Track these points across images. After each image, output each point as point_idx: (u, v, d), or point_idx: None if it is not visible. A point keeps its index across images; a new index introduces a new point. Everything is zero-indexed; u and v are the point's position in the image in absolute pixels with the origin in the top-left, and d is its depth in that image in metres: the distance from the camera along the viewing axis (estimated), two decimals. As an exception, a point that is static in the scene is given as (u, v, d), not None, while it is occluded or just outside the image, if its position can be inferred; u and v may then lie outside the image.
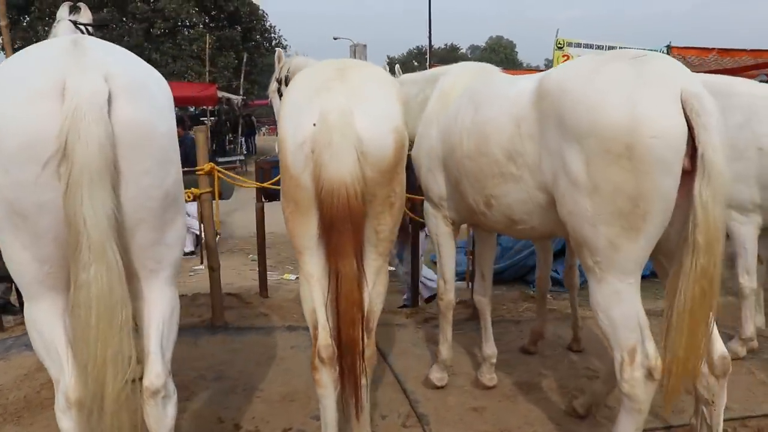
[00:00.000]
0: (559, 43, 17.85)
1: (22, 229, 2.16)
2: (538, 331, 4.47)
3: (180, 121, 11.69)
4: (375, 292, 2.77)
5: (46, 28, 19.28)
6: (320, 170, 2.47)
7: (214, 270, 5.01)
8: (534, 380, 4.03)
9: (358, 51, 47.04)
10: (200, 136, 4.89)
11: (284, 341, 4.71)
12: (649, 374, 2.50)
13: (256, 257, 9.19)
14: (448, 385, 3.93)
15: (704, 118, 2.29)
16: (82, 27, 4.23)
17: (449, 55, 61.20)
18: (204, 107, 21.34)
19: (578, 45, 16.84)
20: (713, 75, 4.56)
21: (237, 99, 22.87)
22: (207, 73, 22.14)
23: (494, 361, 3.91)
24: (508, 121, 2.86)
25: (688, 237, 2.36)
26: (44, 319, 2.27)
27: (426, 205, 3.79)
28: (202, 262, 5.17)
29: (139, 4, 25.43)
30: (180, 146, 2.70)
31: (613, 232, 2.42)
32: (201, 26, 25.56)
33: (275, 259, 9.32)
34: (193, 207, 9.27)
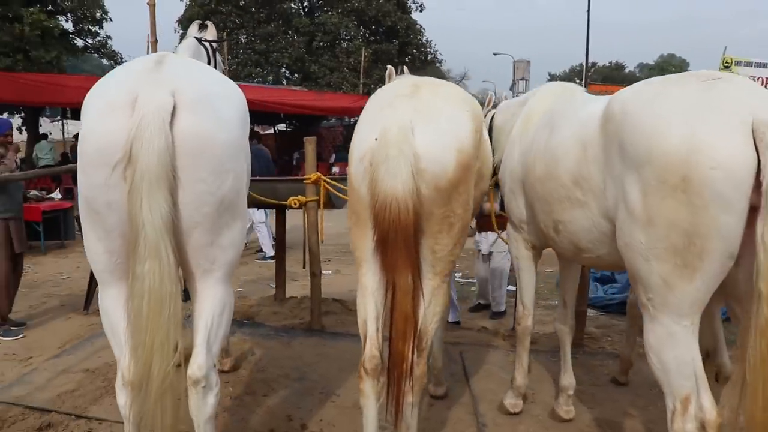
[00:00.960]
0: (726, 62, 16.55)
1: (97, 224, 2.43)
2: (626, 358, 4.23)
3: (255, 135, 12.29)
4: (430, 311, 2.76)
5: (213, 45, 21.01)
6: (375, 184, 2.54)
7: (315, 276, 5.22)
8: (617, 419, 3.80)
9: (521, 68, 46.52)
10: (308, 147, 5.12)
11: (373, 350, 4.79)
12: (702, 428, 2.30)
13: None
14: (523, 413, 3.82)
15: None
16: (206, 44, 4.60)
17: (614, 74, 58.50)
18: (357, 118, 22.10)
19: (749, 64, 15.43)
20: None
21: (389, 111, 23.43)
22: (361, 85, 22.99)
23: (571, 392, 3.74)
24: (576, 144, 2.75)
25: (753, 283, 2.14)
26: (111, 305, 2.53)
27: (508, 227, 3.71)
28: (304, 267, 5.40)
29: (303, 18, 26.94)
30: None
31: (666, 269, 2.24)
32: (359, 40, 26.52)
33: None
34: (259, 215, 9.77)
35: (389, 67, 5.02)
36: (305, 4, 29.06)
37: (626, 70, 66.65)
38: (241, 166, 2.62)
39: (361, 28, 27.72)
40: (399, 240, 2.52)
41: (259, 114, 20.80)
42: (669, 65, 65.48)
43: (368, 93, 22.97)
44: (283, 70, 27.58)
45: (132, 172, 2.27)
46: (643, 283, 2.36)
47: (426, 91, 2.75)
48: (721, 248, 2.16)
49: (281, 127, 26.33)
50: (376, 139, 2.57)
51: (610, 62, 62.04)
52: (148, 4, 6.07)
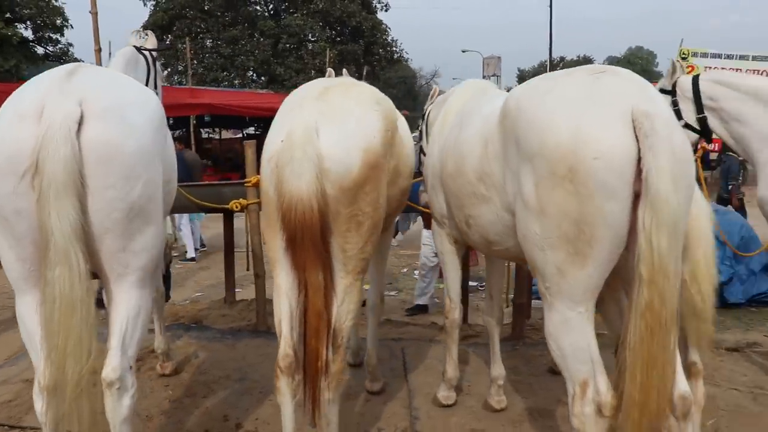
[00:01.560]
0: (683, 54, 16.86)
1: (7, 232, 2.47)
2: None
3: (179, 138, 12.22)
4: (344, 309, 2.82)
5: (184, 46, 20.91)
6: (281, 185, 2.62)
7: (259, 277, 5.28)
8: (550, 407, 3.90)
9: (491, 64, 46.68)
10: (248, 150, 5.17)
11: (317, 349, 4.85)
12: (599, 410, 2.38)
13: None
14: (457, 405, 3.91)
15: (652, 139, 2.14)
16: (146, 53, 4.62)
17: (581, 68, 59.09)
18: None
19: (704, 55, 15.73)
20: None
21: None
22: (327, 87, 23.02)
23: (501, 383, 3.83)
24: (479, 140, 2.84)
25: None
26: (27, 312, 2.56)
27: (432, 222, 3.79)
28: (248, 269, 5.44)
29: (268, 21, 26.93)
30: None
31: (559, 258, 2.33)
32: (323, 41, 26.56)
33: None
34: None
35: (329, 69, 5.12)
36: (270, 6, 29.05)
37: (594, 63, 67.24)
38: (154, 172, 2.66)
39: (326, 29, 27.81)
40: (306, 239, 2.59)
41: (225, 118, 20.75)
42: (636, 58, 66.42)
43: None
44: (250, 73, 27.56)
45: (39, 180, 2.31)
46: (540, 272, 2.44)
47: (335, 93, 2.82)
48: (609, 235, 2.24)
49: (250, 130, 26.27)
50: (282, 141, 2.64)
51: (578, 56, 62.63)
52: (90, 12, 6.07)
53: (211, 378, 4.30)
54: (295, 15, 26.63)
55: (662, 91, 4.34)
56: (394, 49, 30.16)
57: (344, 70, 5.24)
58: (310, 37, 27.16)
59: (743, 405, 4.02)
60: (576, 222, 2.25)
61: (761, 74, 11.09)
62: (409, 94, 56.75)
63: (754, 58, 14.34)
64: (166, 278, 7.01)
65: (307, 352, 2.71)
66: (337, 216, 2.67)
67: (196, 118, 17.08)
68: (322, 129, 2.63)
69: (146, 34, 4.87)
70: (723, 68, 12.49)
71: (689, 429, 2.45)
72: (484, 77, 46.36)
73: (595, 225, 2.23)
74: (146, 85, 4.49)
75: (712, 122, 4.28)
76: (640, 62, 64.68)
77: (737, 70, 10.84)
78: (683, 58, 15.74)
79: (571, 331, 2.40)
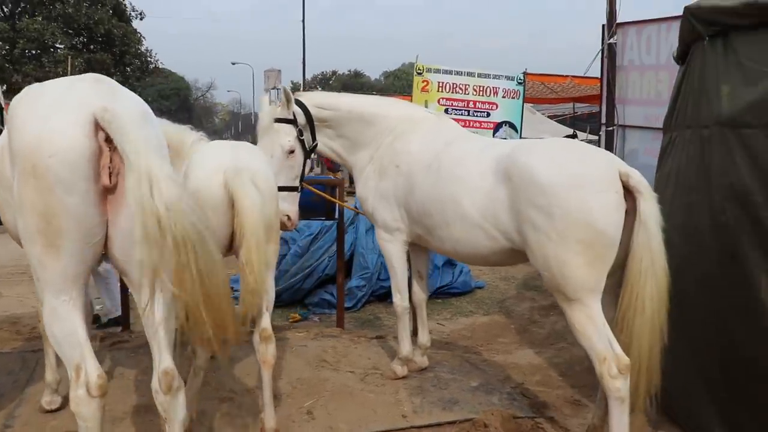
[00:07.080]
0: (419, 69, 18.22)
1: None
2: None
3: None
4: None
5: None
6: None
7: None
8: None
9: (272, 77, 46.67)
10: None
11: None
12: (88, 391, 2.50)
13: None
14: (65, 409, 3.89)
15: (113, 126, 2.38)
16: None
17: (353, 81, 62.00)
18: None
19: (437, 71, 17.08)
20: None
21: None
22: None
23: (54, 387, 3.98)
24: None
25: None
26: None
27: None
28: None
29: (1, 23, 24.64)
30: None
31: (37, 250, 2.45)
32: (68, 48, 24.87)
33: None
34: None
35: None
36: (5, 9, 26.51)
37: (372, 78, 70.85)
38: None
39: (73, 36, 26.03)
40: None
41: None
42: (402, 72, 70.88)
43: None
44: (-19, 81, 25.01)
45: None
46: (30, 264, 2.55)
47: None
48: (75, 227, 2.42)
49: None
50: None
51: (349, 70, 65.36)
52: None
53: None
54: (34, 18, 24.60)
55: (283, 121, 4.34)
56: (149, 59, 29.07)
57: None
58: (52, 43, 25.26)
59: (350, 385, 4.39)
60: (43, 215, 2.40)
61: (485, 90, 12.01)
62: (183, 106, 55.32)
63: (479, 75, 15.73)
64: None
65: None
66: None
67: None
68: None
69: None
70: (455, 83, 13.44)
71: (177, 404, 2.70)
72: (265, 90, 46.43)
73: (59, 217, 2.40)
74: None
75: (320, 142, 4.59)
76: (405, 77, 69.22)
77: (465, 85, 11.81)
78: (418, 73, 17.08)
79: (58, 319, 2.51)
